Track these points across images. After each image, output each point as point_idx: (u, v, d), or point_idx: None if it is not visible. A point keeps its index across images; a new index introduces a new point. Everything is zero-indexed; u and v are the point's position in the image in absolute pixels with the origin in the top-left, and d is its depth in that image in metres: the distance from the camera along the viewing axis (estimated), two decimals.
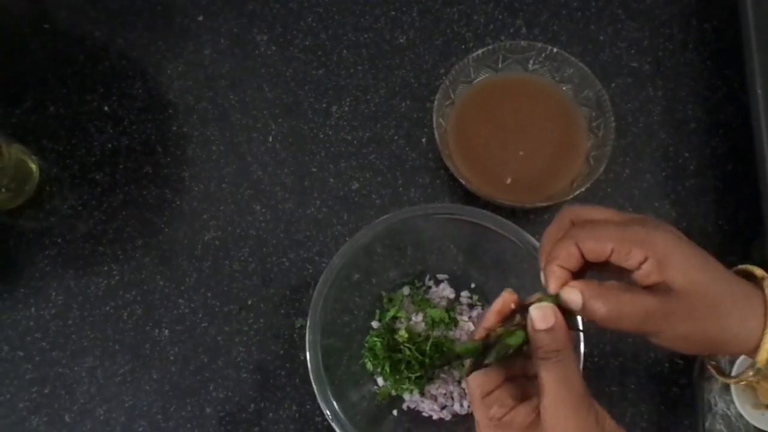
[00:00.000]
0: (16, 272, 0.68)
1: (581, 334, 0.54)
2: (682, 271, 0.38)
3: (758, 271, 0.42)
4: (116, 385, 0.65)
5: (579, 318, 0.46)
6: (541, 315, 0.40)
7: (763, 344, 0.38)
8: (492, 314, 0.43)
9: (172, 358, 0.65)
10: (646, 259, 0.38)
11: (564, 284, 0.40)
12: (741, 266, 0.43)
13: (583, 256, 0.40)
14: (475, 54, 0.67)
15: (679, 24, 0.73)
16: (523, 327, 0.41)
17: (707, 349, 0.41)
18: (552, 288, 0.41)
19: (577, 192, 0.62)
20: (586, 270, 0.42)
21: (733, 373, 0.57)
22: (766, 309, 0.39)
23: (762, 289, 0.40)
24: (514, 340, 0.41)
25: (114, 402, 0.64)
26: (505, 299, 0.44)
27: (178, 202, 0.70)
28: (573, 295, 0.39)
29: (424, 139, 0.71)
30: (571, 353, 0.40)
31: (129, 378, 0.65)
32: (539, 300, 0.41)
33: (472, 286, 0.65)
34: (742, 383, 0.57)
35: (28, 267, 0.68)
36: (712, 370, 0.48)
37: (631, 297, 0.38)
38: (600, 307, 0.38)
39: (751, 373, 0.41)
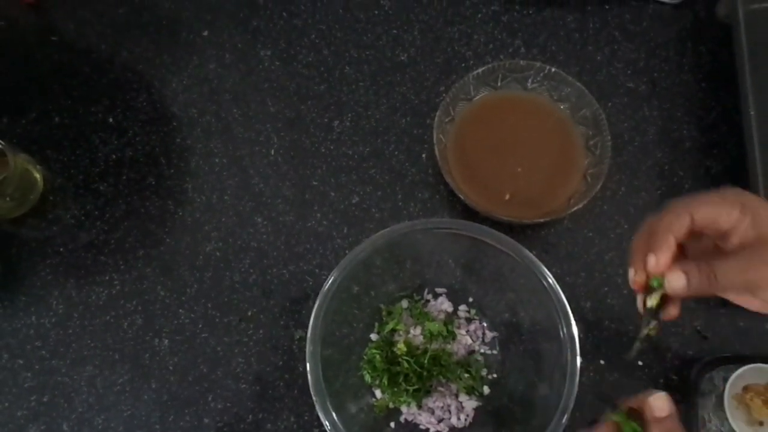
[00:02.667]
0: (17, 280, 0.68)
1: (578, 349, 0.55)
2: None
3: None
4: (115, 395, 0.65)
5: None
6: (659, 405, 0.44)
7: None
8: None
9: (171, 368, 0.66)
10: (743, 216, 0.42)
11: (673, 259, 0.44)
12: None
13: (689, 229, 0.44)
14: (475, 72, 0.68)
15: (674, 46, 0.75)
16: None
17: None
18: (662, 261, 0.44)
19: (575, 208, 0.63)
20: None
21: (727, 389, 0.58)
22: None
23: None
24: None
25: (113, 411, 0.65)
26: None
27: (180, 214, 0.71)
28: (677, 276, 0.43)
29: (424, 155, 0.72)
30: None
31: (128, 387, 0.65)
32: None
33: (470, 300, 0.66)
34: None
35: (29, 275, 0.69)
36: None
37: (732, 262, 0.42)
38: (701, 278, 0.43)
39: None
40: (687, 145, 0.71)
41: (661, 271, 0.44)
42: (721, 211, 0.43)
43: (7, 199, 0.67)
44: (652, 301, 0.46)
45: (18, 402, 0.65)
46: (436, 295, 0.66)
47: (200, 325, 0.67)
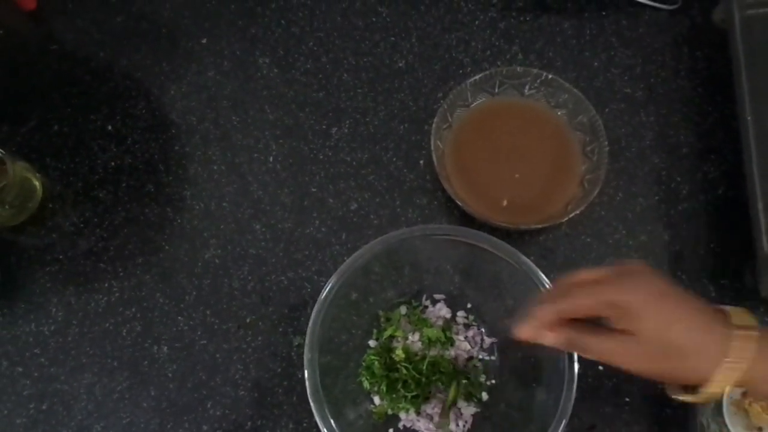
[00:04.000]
0: (17, 288, 0.69)
1: (576, 355, 0.55)
2: (647, 325, 0.44)
3: (735, 319, 0.46)
4: (114, 402, 0.65)
5: None
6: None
7: (706, 387, 0.45)
8: None
9: (170, 375, 0.66)
10: (620, 315, 0.45)
11: (536, 336, 0.49)
12: (724, 307, 0.48)
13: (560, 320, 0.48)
14: (472, 79, 0.68)
15: (671, 52, 0.75)
16: None
17: (664, 380, 0.49)
18: (522, 335, 0.50)
19: (572, 215, 0.63)
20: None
21: (726, 395, 0.58)
22: (723, 358, 0.44)
23: (732, 337, 0.44)
24: None
25: (111, 419, 0.65)
26: None
27: (179, 221, 0.71)
28: (547, 337, 0.49)
29: (421, 161, 0.72)
30: None
31: (127, 395, 0.65)
32: None
33: (468, 306, 0.66)
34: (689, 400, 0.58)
35: (29, 283, 0.69)
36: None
37: (596, 340, 0.47)
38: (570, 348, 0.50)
39: (689, 398, 0.47)
40: (684, 150, 0.71)
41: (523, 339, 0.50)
42: (596, 311, 0.47)
43: (7, 207, 0.67)
44: None
45: (17, 410, 0.65)
46: (434, 302, 0.66)
47: (199, 332, 0.67)
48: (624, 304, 0.45)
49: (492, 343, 0.65)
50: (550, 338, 0.48)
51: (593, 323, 0.48)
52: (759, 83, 0.65)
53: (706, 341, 0.44)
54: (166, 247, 0.70)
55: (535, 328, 0.48)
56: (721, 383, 0.44)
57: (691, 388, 0.47)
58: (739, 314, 0.47)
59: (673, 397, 0.49)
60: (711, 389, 0.45)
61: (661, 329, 0.44)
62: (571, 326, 0.48)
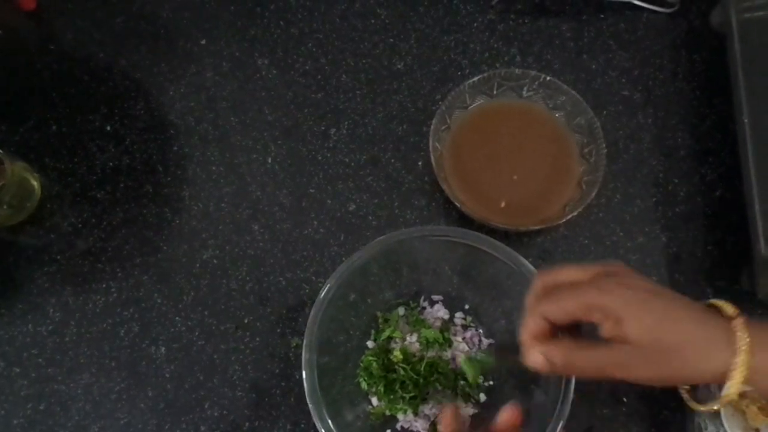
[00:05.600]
0: (14, 288, 0.69)
1: None
2: (637, 327, 0.43)
3: (729, 309, 0.46)
4: (111, 403, 0.65)
5: None
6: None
7: (732, 380, 0.42)
8: None
9: (167, 375, 0.66)
10: (604, 319, 0.44)
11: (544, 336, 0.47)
12: (712, 301, 0.47)
13: (553, 322, 0.46)
14: (470, 81, 0.68)
15: (669, 55, 0.75)
16: None
17: (674, 384, 0.47)
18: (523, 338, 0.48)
19: (569, 216, 0.63)
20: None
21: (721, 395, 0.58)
22: (736, 346, 0.42)
23: (732, 327, 0.43)
24: None
25: (109, 419, 0.65)
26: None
27: (177, 221, 0.71)
28: (534, 358, 0.47)
29: (420, 163, 0.72)
30: None
31: (124, 395, 0.65)
32: None
33: (466, 307, 0.66)
34: (715, 408, 0.58)
35: (26, 283, 0.69)
36: (685, 395, 0.53)
37: (585, 354, 0.45)
38: (557, 363, 0.46)
39: (715, 407, 0.47)
40: (681, 152, 0.72)
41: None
42: (583, 315, 0.45)
43: (5, 206, 0.67)
44: None
45: (14, 410, 0.65)
46: (432, 303, 0.67)
47: (197, 333, 0.67)
48: (606, 309, 0.43)
49: (490, 345, 0.65)
50: (535, 355, 0.47)
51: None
52: (756, 86, 0.65)
53: (709, 334, 0.43)
54: (164, 248, 0.70)
55: (528, 344, 0.47)
56: (743, 372, 0.41)
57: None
58: (727, 305, 0.46)
59: (698, 409, 0.49)
60: (735, 380, 0.42)
61: (652, 330, 0.43)
62: (562, 342, 0.47)
